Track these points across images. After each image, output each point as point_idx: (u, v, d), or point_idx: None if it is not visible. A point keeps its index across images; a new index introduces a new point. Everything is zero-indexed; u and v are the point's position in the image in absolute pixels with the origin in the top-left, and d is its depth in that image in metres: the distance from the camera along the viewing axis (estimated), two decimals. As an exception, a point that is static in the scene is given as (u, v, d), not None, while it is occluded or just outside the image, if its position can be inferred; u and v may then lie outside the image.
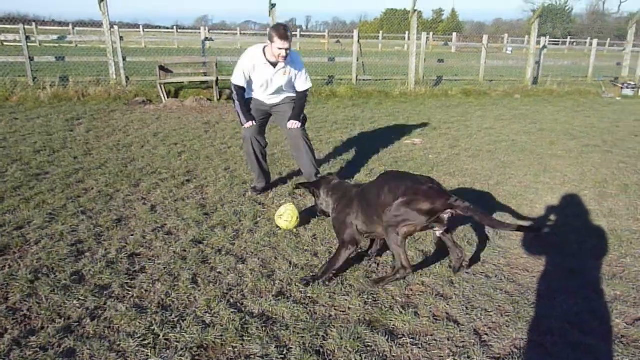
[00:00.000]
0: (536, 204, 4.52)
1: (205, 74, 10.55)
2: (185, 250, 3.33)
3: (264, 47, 4.14)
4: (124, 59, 10.39)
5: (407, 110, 9.55)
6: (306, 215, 3.95)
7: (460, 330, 2.57)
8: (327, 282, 2.96)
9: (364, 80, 12.48)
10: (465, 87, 12.27)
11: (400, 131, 7.45)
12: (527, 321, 2.67)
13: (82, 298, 2.68)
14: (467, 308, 2.77)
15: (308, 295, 2.85)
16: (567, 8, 65.19)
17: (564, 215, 4.29)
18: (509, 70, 16.39)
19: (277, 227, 3.75)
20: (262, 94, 4.37)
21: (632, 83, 13.92)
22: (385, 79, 12.73)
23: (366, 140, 6.78)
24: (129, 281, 2.90)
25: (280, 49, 3.95)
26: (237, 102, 4.30)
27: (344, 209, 3.17)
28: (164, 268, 3.07)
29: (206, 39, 13.43)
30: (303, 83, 4.42)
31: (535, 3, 65.08)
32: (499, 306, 2.80)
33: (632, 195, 4.83)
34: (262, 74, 4.21)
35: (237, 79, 4.25)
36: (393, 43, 31.69)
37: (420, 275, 3.13)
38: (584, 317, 2.73)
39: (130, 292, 2.78)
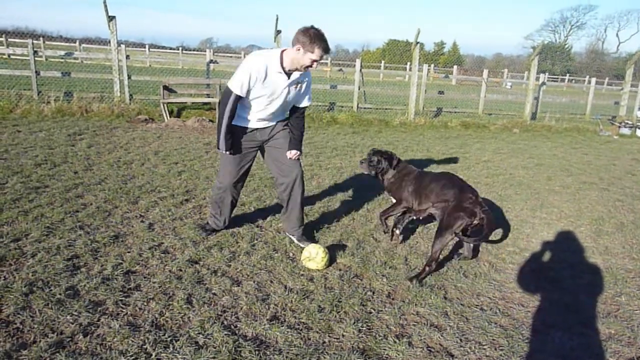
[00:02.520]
0: (532, 238, 4.54)
1: (208, 95, 10.68)
2: (181, 270, 3.32)
3: (282, 52, 3.37)
4: (129, 77, 10.52)
5: (406, 139, 9.64)
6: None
7: (454, 363, 2.56)
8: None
9: (364, 108, 12.63)
10: (465, 120, 12.42)
11: (399, 160, 7.50)
12: (521, 356, 2.66)
13: (75, 313, 2.66)
14: (461, 340, 2.76)
15: (302, 320, 2.84)
16: (566, 46, 66.49)
17: (560, 250, 4.31)
18: (508, 105, 16.61)
19: (274, 250, 3.76)
20: (259, 114, 3.56)
21: (630, 122, 14.10)
22: (386, 108, 12.89)
23: (365, 167, 6.83)
24: (123, 298, 2.89)
25: (315, 61, 3.28)
26: (225, 118, 3.43)
27: (404, 181, 4.13)
28: (159, 287, 3.07)
29: (211, 61, 13.64)
30: (308, 99, 3.73)
31: (535, 40, 66.32)
32: (493, 340, 2.79)
33: (628, 233, 4.85)
34: (272, 85, 3.40)
35: (238, 86, 3.35)
36: (394, 73, 32.18)
37: (415, 305, 3.12)
38: (578, 353, 2.73)
39: (124, 310, 2.77)
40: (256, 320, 2.80)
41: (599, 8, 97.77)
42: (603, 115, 15.95)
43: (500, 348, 2.71)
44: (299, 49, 3.24)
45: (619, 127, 13.82)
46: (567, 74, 49.22)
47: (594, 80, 16.95)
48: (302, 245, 3.79)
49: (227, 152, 3.57)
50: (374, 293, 3.25)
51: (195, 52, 40.52)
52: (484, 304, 3.23)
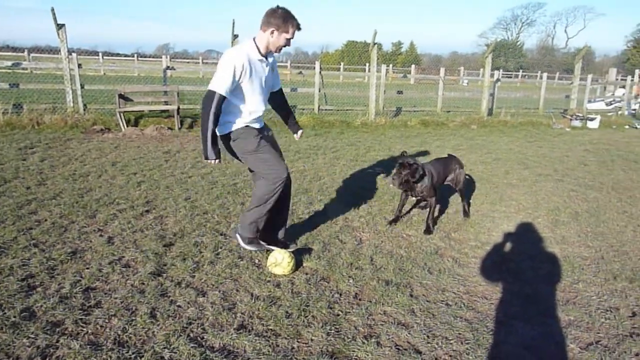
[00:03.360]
0: (493, 231, 4.66)
1: (166, 103, 10.47)
2: (143, 284, 3.23)
3: (253, 39, 3.31)
4: (82, 87, 10.19)
5: (368, 139, 9.73)
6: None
7: None
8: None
9: (326, 110, 12.68)
10: (424, 118, 12.64)
11: (362, 160, 7.57)
12: (486, 348, 2.72)
13: (32, 336, 2.55)
14: (428, 337, 2.80)
15: (270, 327, 2.81)
16: (518, 43, 68.76)
17: (520, 242, 4.44)
18: (465, 102, 17.02)
19: (240, 257, 3.71)
20: (256, 109, 3.43)
21: (580, 115, 14.71)
22: (347, 109, 12.98)
23: (328, 169, 6.85)
24: (83, 317, 2.78)
25: (290, 39, 3.28)
26: (210, 123, 3.18)
27: (431, 182, 4.51)
28: (121, 302, 2.97)
29: (167, 67, 13.38)
30: (278, 79, 3.73)
31: (489, 38, 68.32)
32: (459, 334, 2.85)
33: (583, 222, 5.05)
34: (258, 74, 3.33)
35: (222, 86, 3.16)
36: (354, 74, 32.41)
37: (382, 304, 3.15)
38: (540, 342, 2.81)
39: (84, 329, 2.67)
40: (223, 331, 2.75)
41: (547, 5, 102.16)
42: (555, 108, 16.57)
43: (466, 342, 2.77)
44: (272, 32, 3.22)
45: (571, 119, 14.39)
46: (521, 70, 50.85)
47: (545, 75, 17.55)
48: (252, 248, 3.78)
49: (215, 161, 3.31)
50: (341, 295, 3.25)
51: (151, 59, 39.69)
52: (449, 299, 3.29)
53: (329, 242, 4.15)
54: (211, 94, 3.17)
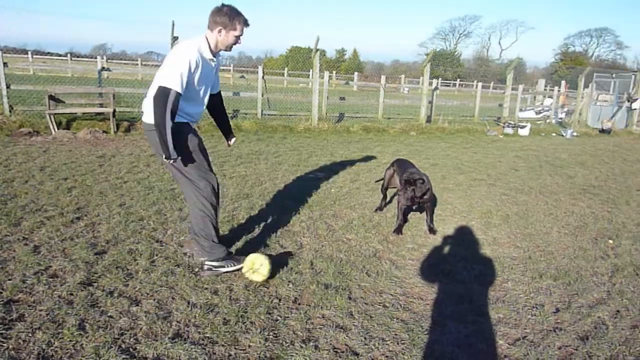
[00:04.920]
0: (429, 234, 4.80)
1: (101, 105, 10.04)
2: (72, 294, 3.07)
3: (205, 37, 3.22)
4: (8, 87, 9.59)
5: (311, 145, 9.78)
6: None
7: (359, 361, 2.62)
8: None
9: (269, 115, 12.64)
10: (366, 124, 12.88)
11: (304, 165, 7.60)
12: (421, 348, 2.79)
13: (-58, 355, 2.36)
14: (365, 338, 2.84)
15: (207, 335, 2.75)
16: (456, 53, 71.58)
17: (454, 244, 4.60)
18: (406, 109, 17.50)
19: (176, 265, 3.61)
20: (199, 107, 3.36)
21: (512, 122, 15.51)
22: (290, 115, 13.01)
23: (270, 174, 6.82)
24: (4, 331, 2.60)
25: (239, 37, 3.23)
26: (167, 120, 3.03)
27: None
28: (47, 315, 2.81)
29: (103, 68, 12.87)
30: (218, 81, 3.67)
31: (428, 48, 70.69)
32: (396, 335, 2.91)
33: (513, 224, 5.31)
34: (207, 72, 3.26)
35: (177, 82, 3.02)
36: (298, 80, 32.55)
37: (321, 308, 3.16)
38: (472, 340, 2.92)
39: (5, 344, 2.50)
40: (157, 340, 2.66)
41: (483, 18, 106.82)
42: (490, 116, 17.40)
43: (402, 342, 2.83)
44: (220, 31, 3.15)
45: (504, 127, 15.14)
46: (458, 79, 52.94)
47: (480, 84, 18.40)
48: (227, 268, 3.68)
49: (178, 159, 3.20)
50: (280, 300, 3.24)
51: (87, 59, 37.98)
52: (387, 300, 3.35)
53: (269, 247, 4.12)
54: (166, 91, 3.01)
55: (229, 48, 3.27)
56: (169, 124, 3.04)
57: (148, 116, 3.22)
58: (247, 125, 11.05)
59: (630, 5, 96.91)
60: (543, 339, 2.97)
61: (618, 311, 3.41)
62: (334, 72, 39.76)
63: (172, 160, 3.17)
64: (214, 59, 3.30)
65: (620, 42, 66.66)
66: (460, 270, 3.95)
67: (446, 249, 4.47)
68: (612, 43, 66.15)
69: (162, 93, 3.01)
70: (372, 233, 4.67)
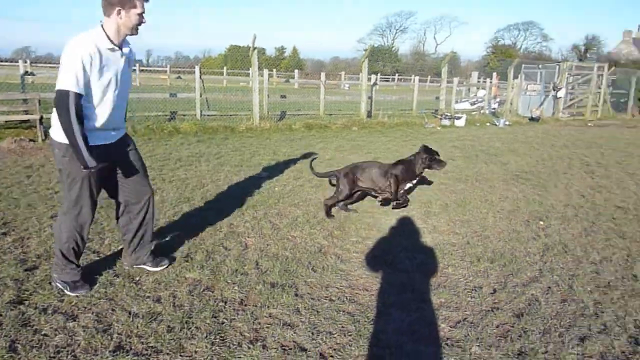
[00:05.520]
0: (373, 227, 4.89)
1: (26, 112, 9.48)
2: (0, 315, 2.89)
3: (101, 27, 2.88)
4: None
5: (253, 144, 9.70)
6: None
7: (307, 357, 2.64)
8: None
9: (208, 115, 12.42)
10: (308, 121, 12.93)
11: (247, 165, 7.53)
12: (368, 338, 2.84)
13: None
14: (312, 333, 2.86)
15: (150, 345, 2.67)
16: (393, 48, 73.19)
17: (397, 235, 4.71)
18: (347, 105, 17.71)
19: (115, 275, 3.49)
20: (111, 108, 2.99)
21: (448, 114, 16.06)
22: (231, 115, 12.83)
23: (212, 176, 6.70)
24: None
25: (141, 14, 2.90)
26: (75, 125, 2.74)
27: None
28: (-28, 338, 2.63)
29: (27, 72, 12.15)
30: (130, 78, 3.27)
31: (367, 44, 71.83)
32: (342, 327, 2.94)
33: (451, 212, 5.50)
34: (111, 67, 2.91)
35: (73, 81, 2.72)
36: (238, 79, 32.14)
37: (268, 307, 3.15)
38: (416, 326, 3.01)
39: None
40: (97, 354, 2.56)
41: (418, 14, 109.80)
42: (427, 109, 17.92)
43: (349, 334, 2.87)
44: (119, 12, 2.83)
45: (441, 119, 15.65)
46: (397, 74, 54.18)
47: (417, 78, 19.03)
48: (162, 266, 3.61)
49: (99, 166, 2.90)
50: (226, 303, 3.19)
51: (7, 63, 35.65)
52: (333, 294, 3.39)
53: (212, 250, 4.06)
54: (64, 94, 2.72)
55: (134, 30, 2.93)
56: (77, 129, 2.75)
57: (54, 130, 2.96)
58: (186, 127, 10.79)
59: (552, 1, 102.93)
60: (482, 319, 3.11)
61: (549, 287, 3.62)
62: (274, 70, 39.58)
63: (91, 170, 2.89)
64: (118, 49, 2.93)
65: (546, 35, 70.64)
66: (402, 259, 4.05)
67: (389, 239, 4.57)
68: (538, 36, 69.93)
69: (60, 97, 2.73)
70: (317, 229, 4.70)
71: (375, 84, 16.46)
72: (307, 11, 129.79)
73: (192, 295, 3.26)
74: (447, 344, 2.83)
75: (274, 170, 7.26)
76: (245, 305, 3.18)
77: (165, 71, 35.21)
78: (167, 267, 3.63)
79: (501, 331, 2.99)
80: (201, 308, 3.09)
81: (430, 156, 5.45)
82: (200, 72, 12.48)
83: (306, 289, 3.45)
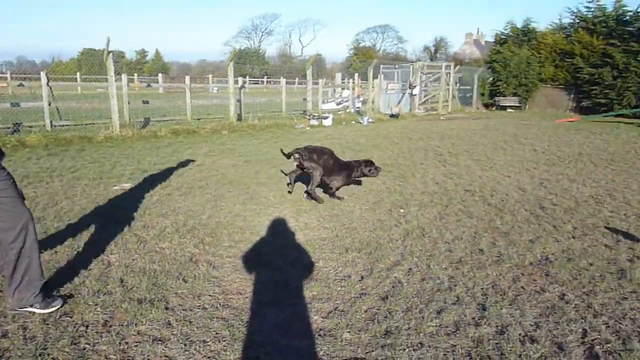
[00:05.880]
0: (245, 230, 4.87)
1: None
2: None
3: None
4: None
5: (114, 154, 9.07)
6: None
7: (180, 370, 2.55)
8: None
9: (61, 126, 11.34)
10: (174, 127, 12.44)
11: (108, 177, 7.02)
12: (242, 341, 2.84)
13: None
14: (185, 345, 2.77)
15: (-4, 386, 2.37)
16: (261, 51, 73.55)
17: (270, 235, 4.76)
18: (216, 109, 17.40)
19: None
20: None
21: (316, 114, 16.59)
22: (87, 124, 11.86)
23: (67, 192, 6.13)
24: None
25: None
26: None
27: None
28: None
29: None
30: None
31: (234, 46, 71.20)
32: (216, 334, 2.90)
33: (321, 208, 5.70)
34: None
35: None
36: (95, 85, 29.77)
37: (135, 325, 2.98)
38: (290, 321, 3.07)
39: None
40: None
41: (282, 17, 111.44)
42: (296, 110, 18.32)
43: (223, 339, 2.83)
44: None
45: (309, 119, 16.11)
46: (265, 76, 54.52)
47: (284, 80, 19.29)
48: (53, 308, 3.10)
49: None
50: (87, 327, 2.95)
51: None
52: (206, 302, 3.31)
53: (70, 273, 3.72)
54: None
55: None
56: None
57: None
58: (33, 140, 9.72)
59: (405, 5, 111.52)
60: (351, 306, 3.28)
61: (410, 269, 3.94)
62: (136, 74, 37.41)
63: None
64: None
65: (401, 37, 76.46)
66: (276, 258, 4.10)
67: (262, 240, 4.60)
68: (394, 38, 75.33)
69: None
70: (187, 238, 4.55)
71: (243, 86, 16.40)
72: (171, 12, 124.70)
73: (47, 324, 2.95)
74: (319, 335, 2.93)
75: (139, 180, 6.87)
76: (110, 326, 2.97)
77: (6, 77, 31.36)
78: (59, 307, 3.14)
79: (369, 315, 3.17)
80: (58, 336, 2.82)
81: (370, 167, 6.28)
82: (48, 79, 11.33)
83: (177, 300, 3.33)
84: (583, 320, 3.12)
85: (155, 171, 7.52)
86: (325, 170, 5.98)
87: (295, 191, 6.44)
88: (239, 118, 14.95)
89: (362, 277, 3.76)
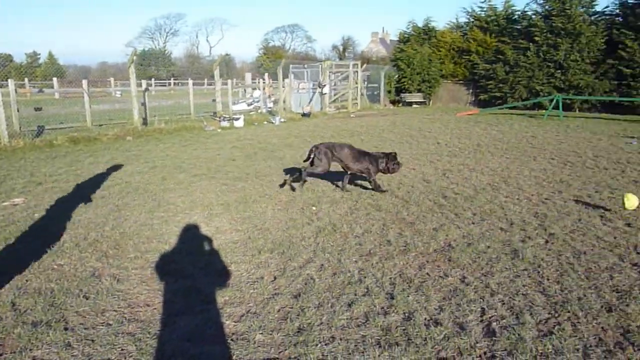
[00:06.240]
0: (152, 239, 4.67)
1: None
2: None
3: None
4: None
5: (3, 167, 8.30)
6: None
7: (82, 393, 2.40)
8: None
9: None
10: (73, 135, 11.62)
11: (-4, 192, 6.41)
12: (151, 353, 2.73)
13: None
14: (87, 366, 2.61)
15: None
16: (166, 52, 70.83)
17: (180, 241, 4.61)
18: (119, 114, 16.52)
19: None
20: None
21: (227, 116, 16.31)
22: (-31, 135, 10.72)
23: (-53, 211, 5.52)
24: None
25: None
26: None
27: None
28: None
29: None
30: None
31: (137, 47, 67.89)
32: (122, 350, 2.76)
33: (233, 211, 5.62)
34: None
35: None
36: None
37: (30, 350, 2.75)
38: (202, 329, 3.00)
39: None
40: None
41: (187, 16, 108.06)
42: (206, 112, 17.89)
43: (130, 355, 2.71)
44: None
45: (220, 121, 15.80)
46: (172, 78, 52.67)
47: (191, 82, 18.74)
48: None
49: None
50: None
51: None
52: (110, 318, 3.14)
53: (-49, 300, 3.35)
54: None
55: None
56: None
57: None
58: None
59: (313, 4, 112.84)
60: (264, 308, 3.27)
61: (322, 265, 4.00)
62: (27, 79, 34.50)
63: None
64: None
65: (310, 36, 77.42)
66: (187, 265, 3.99)
67: (172, 248, 4.45)
68: (303, 37, 76.12)
69: None
70: (88, 252, 4.28)
71: (147, 89, 15.71)
72: (64, 13, 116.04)
73: None
74: (232, 339, 2.89)
75: (33, 194, 6.35)
76: (1, 354, 2.72)
77: None
78: None
79: (282, 314, 3.19)
80: (-62, 372, 2.54)
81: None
82: None
83: (78, 319, 3.12)
84: (482, 300, 3.35)
85: (51, 183, 6.99)
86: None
87: (207, 195, 6.29)
88: (145, 122, 14.31)
89: (275, 278, 3.76)
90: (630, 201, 5.29)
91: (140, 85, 14.69)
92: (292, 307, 3.27)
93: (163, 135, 13.05)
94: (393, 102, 26.84)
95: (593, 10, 21.44)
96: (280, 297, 3.43)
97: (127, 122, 14.13)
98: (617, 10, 20.95)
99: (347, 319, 3.12)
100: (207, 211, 5.60)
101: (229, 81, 19.49)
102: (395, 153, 6.56)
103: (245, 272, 3.88)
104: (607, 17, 21.17)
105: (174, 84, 46.29)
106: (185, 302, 3.36)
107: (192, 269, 3.93)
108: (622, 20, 20.33)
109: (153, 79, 45.11)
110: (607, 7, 22.73)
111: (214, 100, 18.39)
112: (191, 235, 4.81)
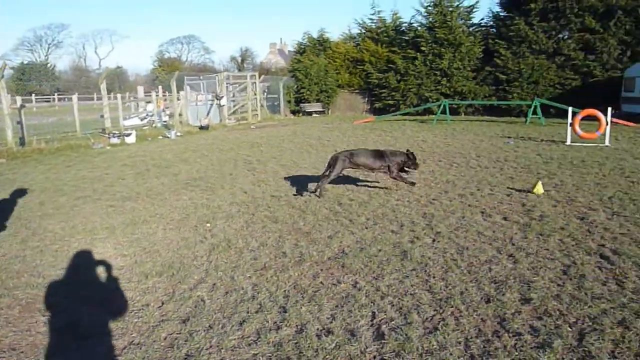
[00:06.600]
0: (24, 273, 4.21)
1: None
2: None
3: None
4: None
5: None
6: None
7: None
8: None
9: None
10: None
11: None
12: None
13: None
14: None
15: None
16: (49, 65, 65.47)
17: (56, 273, 4.19)
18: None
19: None
20: None
21: (117, 132, 15.38)
22: None
23: None
24: None
25: None
26: None
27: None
28: None
29: None
30: None
31: (13, 60, 61.99)
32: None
33: (119, 234, 5.24)
34: None
35: None
36: None
37: None
38: None
39: None
40: None
41: (72, 27, 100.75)
42: (95, 129, 16.73)
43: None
44: None
45: (109, 137, 14.86)
46: (56, 93, 48.81)
47: (75, 96, 17.49)
48: None
49: None
50: None
51: None
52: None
53: None
54: None
55: None
56: None
57: None
58: None
59: (210, 15, 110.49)
60: (149, 337, 3.06)
61: (214, 284, 3.86)
62: None
63: None
64: None
65: (207, 47, 75.71)
66: (63, 298, 3.64)
67: (47, 281, 4.02)
68: (200, 48, 74.11)
69: None
70: (-59, 294, 3.74)
71: (23, 106, 14.34)
72: None
73: None
74: None
75: None
76: None
77: None
78: None
79: (168, 342, 3.00)
80: None
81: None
82: None
83: None
84: (372, 304, 3.42)
85: None
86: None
87: (90, 219, 5.83)
88: (22, 143, 13.02)
89: (163, 303, 3.55)
90: (538, 188, 6.50)
91: (15, 102, 13.34)
92: (179, 333, 3.10)
93: (44, 156, 11.96)
94: (294, 112, 27.09)
95: (470, 22, 23.38)
96: (167, 323, 3.23)
97: (0, 144, 12.77)
98: (492, 22, 23.08)
99: (238, 338, 3.01)
100: (90, 237, 5.18)
101: (119, 95, 18.42)
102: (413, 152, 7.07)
103: (130, 300, 3.62)
104: (483, 29, 23.20)
105: (59, 99, 42.83)
106: (59, 340, 3.05)
107: (69, 302, 3.59)
108: (496, 31, 22.41)
109: (33, 95, 41.46)
110: (482, 19, 24.56)
111: (101, 116, 17.26)
112: (70, 265, 4.40)
